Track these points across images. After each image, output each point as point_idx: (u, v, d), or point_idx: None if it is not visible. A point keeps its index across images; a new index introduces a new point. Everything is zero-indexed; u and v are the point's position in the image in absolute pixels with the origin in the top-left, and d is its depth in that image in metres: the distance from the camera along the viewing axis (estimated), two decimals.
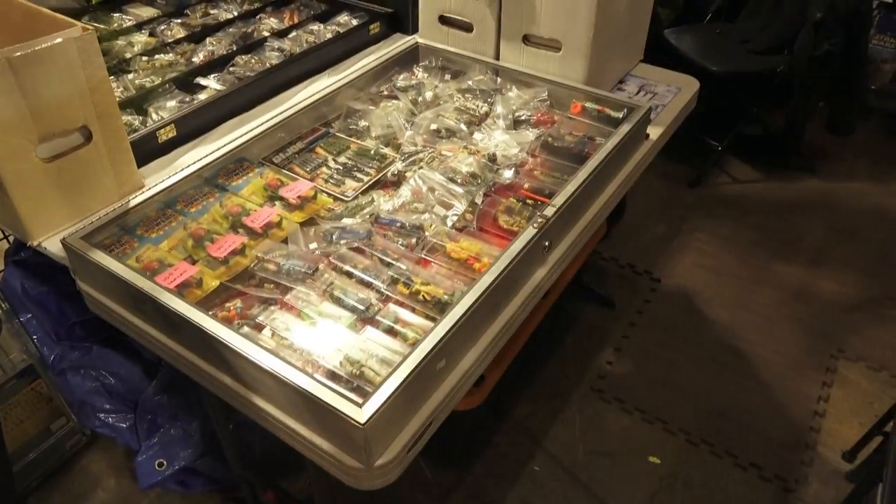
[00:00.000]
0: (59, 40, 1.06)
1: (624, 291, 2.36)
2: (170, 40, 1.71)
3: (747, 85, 2.81)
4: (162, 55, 1.65)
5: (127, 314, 1.09)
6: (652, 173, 2.87)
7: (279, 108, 1.49)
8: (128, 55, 1.63)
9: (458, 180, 1.28)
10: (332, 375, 0.94)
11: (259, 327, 1.02)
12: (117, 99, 1.46)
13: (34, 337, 1.63)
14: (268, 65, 1.62)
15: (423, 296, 1.03)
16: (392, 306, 1.04)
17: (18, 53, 1.01)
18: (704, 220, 2.68)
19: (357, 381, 0.92)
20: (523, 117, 1.48)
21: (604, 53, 1.54)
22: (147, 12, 1.84)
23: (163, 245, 1.14)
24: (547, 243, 1.15)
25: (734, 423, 1.94)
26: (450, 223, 1.20)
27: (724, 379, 2.07)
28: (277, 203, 1.24)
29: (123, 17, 1.82)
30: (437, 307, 1.02)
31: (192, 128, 1.42)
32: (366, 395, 0.85)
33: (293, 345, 0.99)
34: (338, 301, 1.05)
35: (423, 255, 1.13)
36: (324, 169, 1.36)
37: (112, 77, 1.55)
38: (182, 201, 1.24)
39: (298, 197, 1.24)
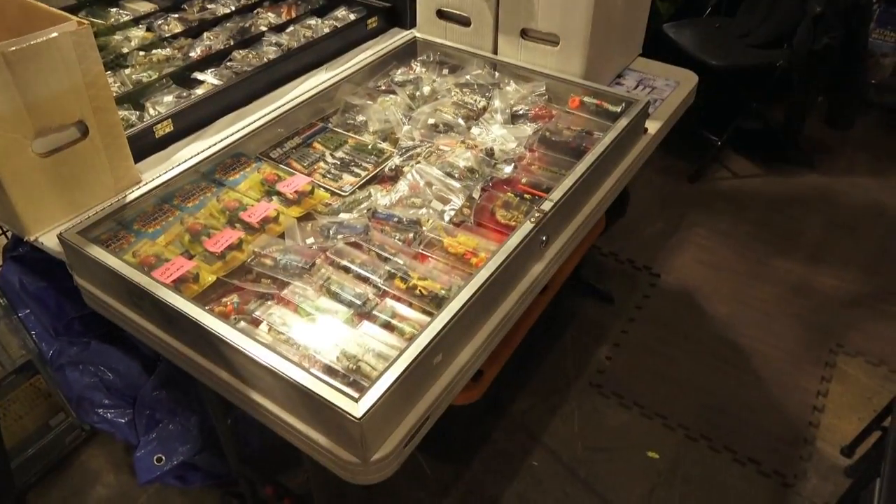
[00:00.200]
0: (54, 35, 1.05)
1: (623, 287, 2.36)
2: (167, 35, 1.71)
3: (746, 79, 2.80)
4: (159, 50, 1.64)
5: (124, 309, 1.09)
6: (651, 168, 2.87)
7: (276, 103, 1.49)
8: (125, 50, 1.63)
9: (456, 175, 1.28)
10: (329, 370, 0.94)
11: (256, 322, 1.02)
12: (114, 94, 1.45)
13: (32, 332, 1.63)
14: (265, 59, 1.61)
15: (420, 291, 1.03)
16: (389, 301, 1.04)
17: (14, 48, 1.01)
18: (704, 215, 2.68)
19: (353, 376, 0.92)
20: (521, 112, 1.48)
21: (602, 48, 1.54)
22: (144, 7, 1.84)
23: (159, 240, 1.14)
24: (544, 238, 1.15)
25: (733, 419, 1.94)
26: (447, 218, 1.20)
27: (723, 374, 2.07)
28: (275, 198, 1.24)
29: (120, 11, 1.81)
30: (434, 302, 1.02)
31: (190, 123, 1.41)
32: (362, 390, 0.85)
33: (290, 340, 0.98)
34: (334, 296, 1.04)
35: (420, 250, 1.13)
36: (321, 164, 1.35)
37: (109, 72, 1.55)
38: (179, 196, 1.24)
39: (295, 192, 1.24)
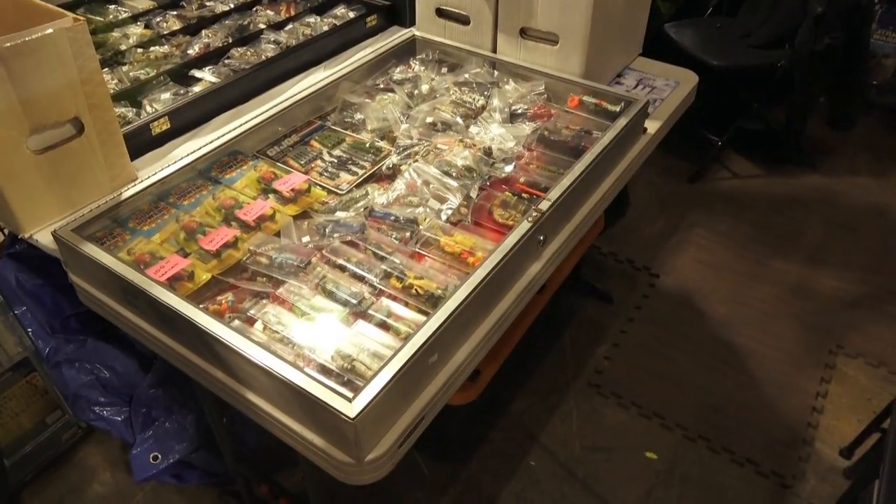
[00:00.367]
0: (49, 31, 1.05)
1: (622, 287, 2.35)
2: (165, 32, 1.70)
3: (748, 79, 2.79)
4: (157, 47, 1.64)
5: (118, 307, 1.09)
6: (651, 168, 2.86)
7: (274, 100, 1.48)
8: (123, 47, 1.62)
9: (453, 174, 1.27)
10: (323, 370, 0.93)
11: (251, 321, 1.01)
12: (112, 91, 1.46)
13: (29, 330, 1.62)
14: (263, 57, 1.61)
15: (415, 290, 1.03)
16: (385, 300, 1.04)
17: (8, 44, 1.00)
18: (704, 215, 2.67)
19: (348, 376, 0.91)
20: (520, 111, 1.47)
21: (601, 47, 1.53)
22: (142, 4, 1.83)
23: (155, 238, 1.14)
24: (542, 237, 1.14)
25: (732, 419, 1.93)
26: (444, 217, 1.19)
27: (721, 375, 2.06)
28: (271, 196, 1.24)
29: (119, 8, 1.81)
30: (430, 301, 1.01)
31: (187, 120, 1.41)
32: (356, 390, 0.85)
33: (284, 339, 0.98)
34: (330, 295, 1.04)
35: (416, 249, 1.13)
36: (318, 162, 1.35)
37: (107, 69, 1.55)
38: (175, 194, 1.24)
39: (292, 190, 1.23)
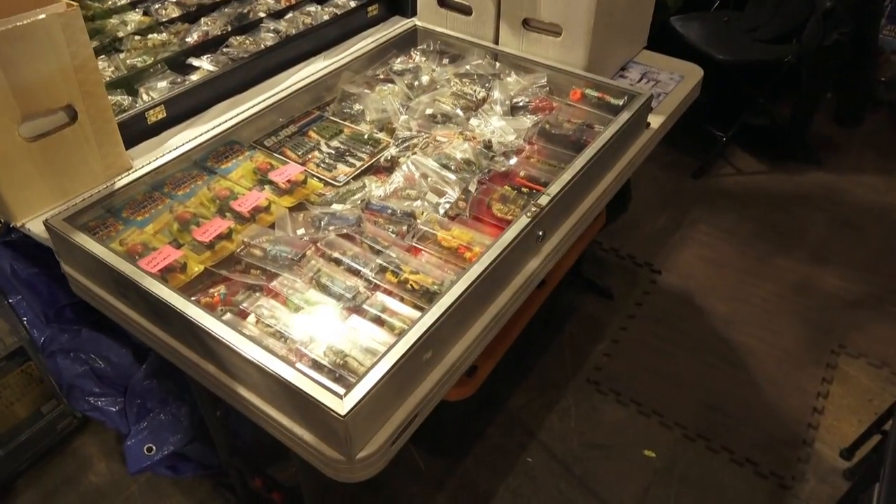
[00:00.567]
0: (42, 16, 1.03)
1: (623, 283, 2.33)
2: (164, 19, 1.68)
3: (754, 74, 2.76)
4: (155, 35, 1.61)
5: (111, 299, 1.07)
6: (654, 164, 2.84)
7: (273, 90, 1.46)
8: (120, 34, 1.60)
9: (452, 167, 1.25)
10: (316, 365, 0.92)
11: (243, 314, 1.00)
12: (108, 78, 1.44)
13: (24, 319, 1.61)
14: (263, 46, 1.59)
15: (411, 285, 1.01)
16: (380, 295, 1.02)
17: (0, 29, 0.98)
18: (707, 211, 2.64)
19: (340, 372, 0.90)
20: (521, 103, 1.45)
21: (605, 39, 1.50)
22: None
23: (148, 228, 1.12)
24: (541, 233, 1.12)
25: (731, 418, 1.92)
26: (442, 211, 1.17)
27: (722, 373, 2.04)
28: (267, 187, 1.22)
29: None
30: (426, 297, 1.00)
31: (183, 109, 1.39)
32: (348, 386, 0.83)
33: (277, 333, 0.96)
34: (324, 289, 1.02)
35: (413, 243, 1.11)
36: (316, 153, 1.33)
37: (103, 56, 1.53)
38: (170, 184, 1.22)
39: (288, 181, 1.21)
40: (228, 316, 0.98)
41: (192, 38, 1.62)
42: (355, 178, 1.27)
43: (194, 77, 1.48)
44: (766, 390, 2.00)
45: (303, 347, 0.93)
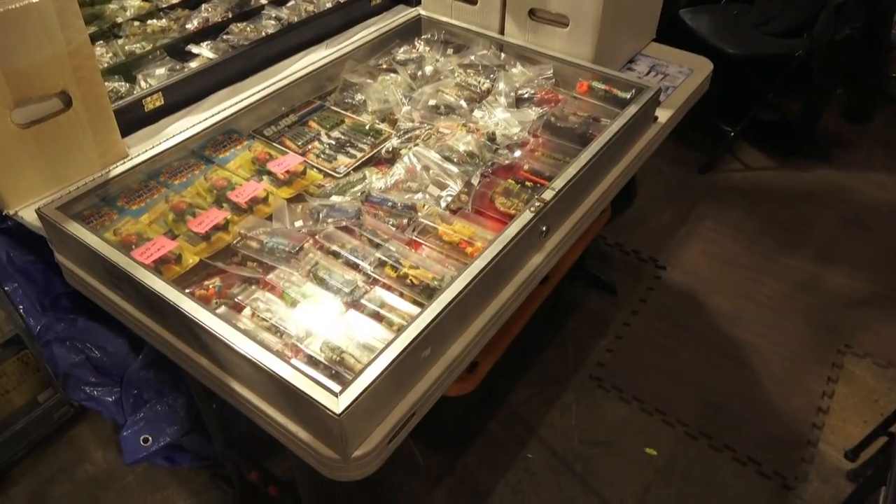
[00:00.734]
0: (35, 0, 1.00)
1: (627, 278, 2.31)
2: (164, 5, 1.65)
3: (764, 69, 2.72)
4: (155, 20, 1.59)
5: (104, 289, 1.05)
6: (661, 158, 2.80)
7: (273, 78, 1.43)
8: (119, 19, 1.58)
9: (455, 159, 1.22)
10: (312, 361, 0.90)
11: (238, 307, 0.98)
12: (106, 65, 1.41)
13: (20, 307, 1.59)
14: (264, 34, 1.56)
15: (410, 280, 0.99)
16: (378, 290, 1.00)
17: None
18: (713, 207, 2.61)
19: (337, 368, 0.88)
20: (526, 95, 1.42)
21: (613, 31, 1.47)
22: None
23: (143, 218, 1.10)
24: (544, 228, 1.09)
25: (734, 417, 1.89)
26: (443, 204, 1.15)
27: (726, 371, 2.02)
28: (265, 178, 1.19)
29: None
30: (425, 292, 0.97)
31: (182, 97, 1.36)
32: (344, 383, 0.81)
33: (273, 327, 0.94)
34: (322, 282, 1.00)
35: (413, 237, 1.08)
36: (316, 143, 1.30)
37: (101, 41, 1.50)
38: (166, 173, 1.19)
39: (287, 172, 1.19)
40: (223, 309, 0.96)
41: (193, 25, 1.59)
42: (355, 169, 1.24)
43: (194, 64, 1.46)
44: (770, 389, 1.97)
45: (298, 343, 0.91)
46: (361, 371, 0.82)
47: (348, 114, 1.39)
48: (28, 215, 1.11)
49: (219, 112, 1.29)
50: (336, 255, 1.05)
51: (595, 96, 1.42)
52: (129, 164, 1.16)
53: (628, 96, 1.37)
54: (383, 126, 1.35)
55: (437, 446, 1.79)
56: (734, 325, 2.16)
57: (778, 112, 2.81)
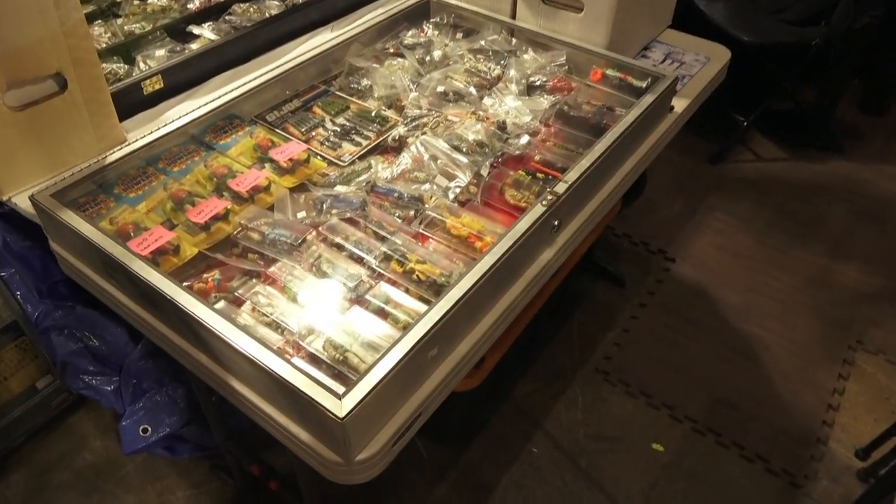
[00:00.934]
0: None
1: (636, 270, 2.27)
2: None
3: (779, 57, 2.65)
4: (155, 0, 1.54)
5: (99, 280, 1.02)
6: (672, 148, 2.72)
7: (276, 62, 1.39)
8: None
9: (464, 149, 1.18)
10: (314, 359, 0.86)
11: (238, 301, 0.94)
12: (104, 45, 1.37)
13: (17, 293, 1.56)
14: (267, 15, 1.51)
15: (417, 275, 0.95)
16: (384, 285, 0.96)
17: None
18: (724, 198, 2.56)
19: (340, 368, 0.84)
20: (538, 83, 1.37)
21: (629, 16, 1.42)
22: None
23: (140, 206, 1.06)
24: (556, 223, 1.05)
25: (743, 413, 1.86)
26: (451, 196, 1.11)
27: (735, 366, 1.98)
28: (267, 165, 1.15)
29: None
30: (433, 289, 0.94)
31: (182, 79, 1.32)
32: (348, 384, 0.78)
33: (273, 323, 0.91)
34: (325, 276, 0.96)
35: (420, 230, 1.05)
36: (320, 130, 1.26)
37: (100, 21, 1.46)
38: (165, 159, 1.16)
39: (290, 160, 1.15)
40: (222, 304, 0.93)
41: (194, 5, 1.54)
42: (361, 157, 1.20)
43: (194, 46, 1.41)
44: (779, 385, 1.94)
45: (300, 340, 0.87)
46: (366, 372, 0.78)
47: (354, 99, 1.34)
48: (22, 202, 1.08)
49: (220, 96, 1.25)
50: (340, 247, 1.01)
51: (609, 84, 1.37)
52: (126, 150, 1.12)
53: (644, 85, 1.33)
54: (390, 113, 1.31)
55: (440, 439, 1.76)
56: (744, 319, 2.12)
57: (792, 102, 2.75)
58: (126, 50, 1.37)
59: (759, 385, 1.94)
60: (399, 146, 1.23)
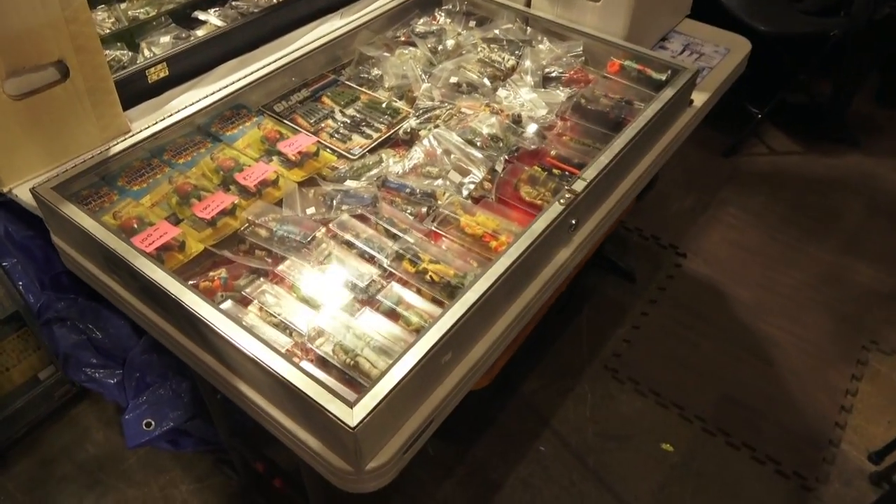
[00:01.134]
0: None
1: (646, 265, 2.23)
2: None
3: (796, 48, 2.60)
4: None
5: (102, 276, 0.99)
6: (684, 140, 2.70)
7: (284, 50, 1.35)
8: None
9: (478, 143, 1.14)
10: (323, 361, 0.83)
11: (245, 301, 0.91)
12: (107, 31, 1.33)
13: (19, 284, 1.53)
14: (275, 1, 1.46)
15: (430, 276, 0.92)
16: (395, 285, 0.93)
17: None
18: (736, 192, 2.52)
19: (350, 373, 0.81)
20: (554, 74, 1.33)
21: (649, 5, 1.38)
22: None
23: (144, 200, 1.03)
24: (573, 222, 1.02)
25: (754, 413, 1.83)
26: (465, 192, 1.07)
27: (746, 365, 1.95)
28: (275, 158, 1.12)
29: None
30: (446, 290, 0.90)
31: (187, 67, 1.28)
32: (359, 391, 0.75)
33: (281, 324, 0.88)
34: (335, 275, 0.93)
35: (433, 228, 1.01)
36: (329, 122, 1.22)
37: (103, 6, 1.42)
38: (170, 150, 1.12)
39: (299, 152, 1.11)
40: (229, 303, 0.90)
41: None
42: (371, 151, 1.17)
43: (200, 32, 1.38)
44: (791, 385, 1.91)
45: (309, 342, 0.84)
46: (378, 378, 0.75)
47: (364, 90, 1.30)
48: (23, 194, 1.04)
49: (227, 85, 1.21)
50: (350, 245, 0.98)
51: (627, 77, 1.33)
52: (130, 141, 1.09)
53: (663, 78, 1.28)
54: (401, 104, 1.27)
55: (447, 436, 1.74)
56: (756, 316, 2.08)
57: (807, 94, 2.70)
58: (130, 36, 1.33)
59: (770, 385, 1.91)
60: (411, 139, 1.19)
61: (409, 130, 1.20)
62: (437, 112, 1.23)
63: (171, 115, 1.14)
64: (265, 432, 1.52)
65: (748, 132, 2.70)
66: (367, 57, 1.36)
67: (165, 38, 1.32)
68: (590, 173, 1.03)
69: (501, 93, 1.28)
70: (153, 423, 1.50)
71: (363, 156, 1.15)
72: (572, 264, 1.07)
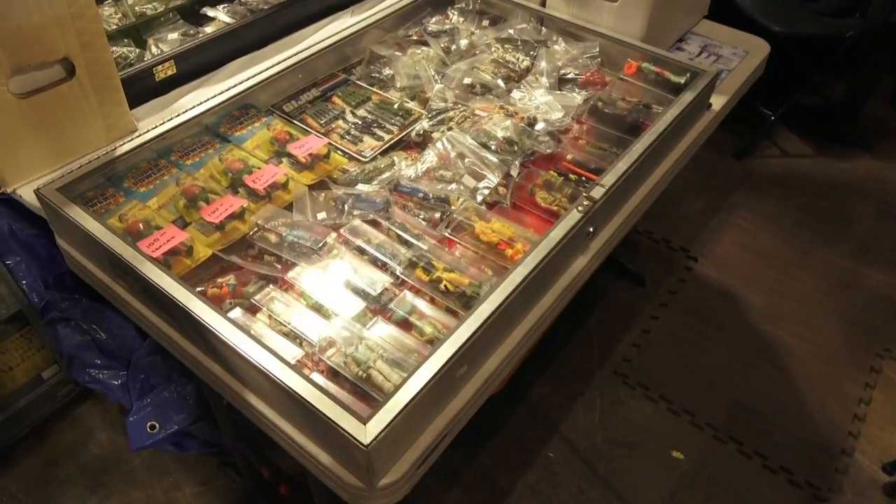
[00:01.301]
0: None
1: (657, 268, 2.20)
2: None
3: (811, 49, 2.56)
4: None
5: (107, 279, 0.96)
6: None
7: (294, 48, 1.33)
8: None
9: (493, 146, 1.12)
10: (334, 373, 0.81)
11: (254, 309, 0.89)
12: (114, 27, 1.30)
13: (23, 282, 1.51)
14: None
15: (444, 285, 0.89)
16: (408, 294, 0.90)
17: None
18: (748, 195, 2.48)
19: (363, 386, 0.79)
20: (570, 76, 1.30)
21: (667, 6, 1.34)
22: None
23: (151, 202, 1.00)
24: (591, 229, 0.99)
25: (766, 421, 1.80)
26: (480, 197, 1.04)
27: (758, 371, 1.92)
28: (285, 160, 1.09)
29: None
30: (461, 300, 0.88)
31: (195, 65, 1.25)
32: (372, 405, 0.72)
33: (291, 333, 0.85)
34: (346, 283, 0.90)
35: (447, 234, 0.98)
36: (340, 122, 1.20)
37: (110, 1, 1.39)
38: (177, 151, 1.10)
39: (309, 154, 1.09)
40: (237, 311, 0.87)
41: None
42: (383, 153, 1.14)
43: (209, 29, 1.35)
44: (804, 393, 1.88)
45: (320, 354, 0.82)
46: (392, 393, 0.73)
47: (375, 90, 1.28)
48: (27, 194, 1.02)
49: (235, 84, 1.19)
50: (362, 251, 0.95)
51: (645, 79, 1.30)
52: (137, 141, 1.06)
53: (682, 81, 1.25)
54: (413, 105, 1.24)
55: (455, 442, 1.71)
56: (767, 322, 2.05)
57: (821, 96, 2.66)
58: (137, 32, 1.30)
59: (782, 392, 1.88)
60: (423, 141, 1.16)
61: (421, 132, 1.17)
62: (451, 114, 1.20)
63: (179, 114, 1.12)
64: (271, 438, 1.50)
65: (760, 134, 2.66)
66: (378, 56, 1.33)
67: (173, 35, 1.30)
68: (608, 179, 1.00)
69: (516, 94, 1.25)
70: (157, 425, 1.48)
71: (375, 158, 1.12)
72: (589, 272, 1.04)
